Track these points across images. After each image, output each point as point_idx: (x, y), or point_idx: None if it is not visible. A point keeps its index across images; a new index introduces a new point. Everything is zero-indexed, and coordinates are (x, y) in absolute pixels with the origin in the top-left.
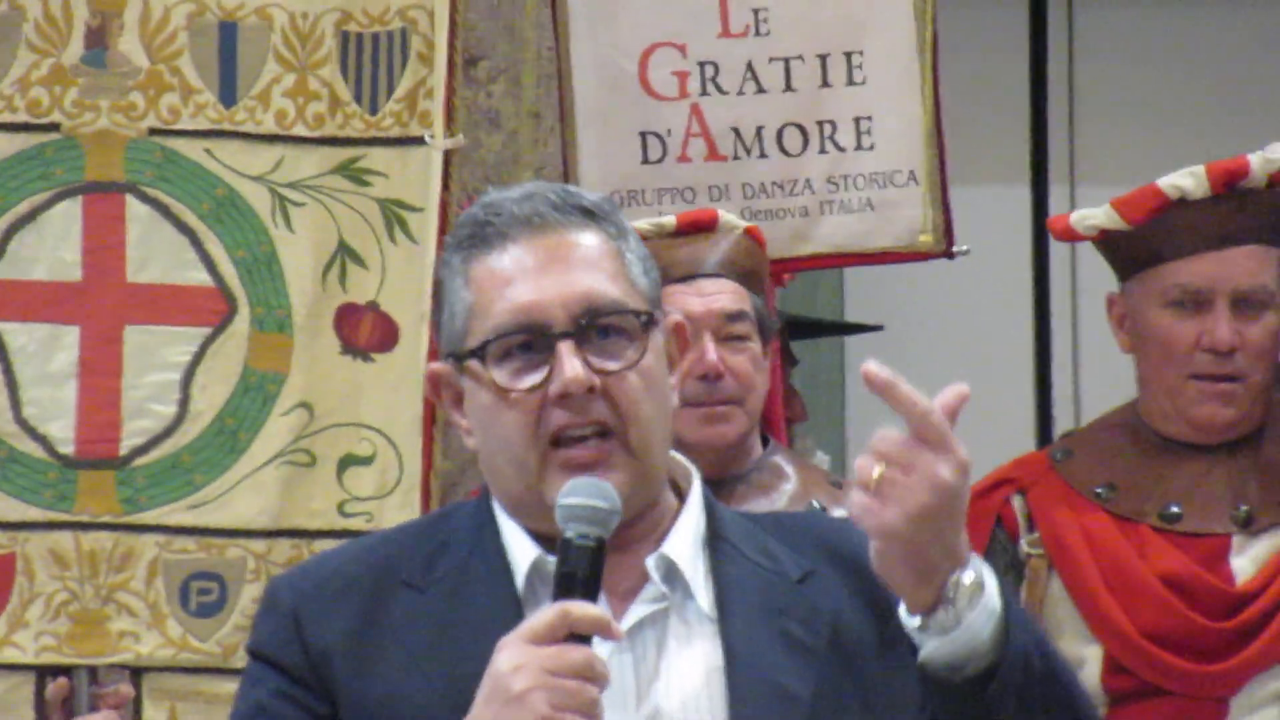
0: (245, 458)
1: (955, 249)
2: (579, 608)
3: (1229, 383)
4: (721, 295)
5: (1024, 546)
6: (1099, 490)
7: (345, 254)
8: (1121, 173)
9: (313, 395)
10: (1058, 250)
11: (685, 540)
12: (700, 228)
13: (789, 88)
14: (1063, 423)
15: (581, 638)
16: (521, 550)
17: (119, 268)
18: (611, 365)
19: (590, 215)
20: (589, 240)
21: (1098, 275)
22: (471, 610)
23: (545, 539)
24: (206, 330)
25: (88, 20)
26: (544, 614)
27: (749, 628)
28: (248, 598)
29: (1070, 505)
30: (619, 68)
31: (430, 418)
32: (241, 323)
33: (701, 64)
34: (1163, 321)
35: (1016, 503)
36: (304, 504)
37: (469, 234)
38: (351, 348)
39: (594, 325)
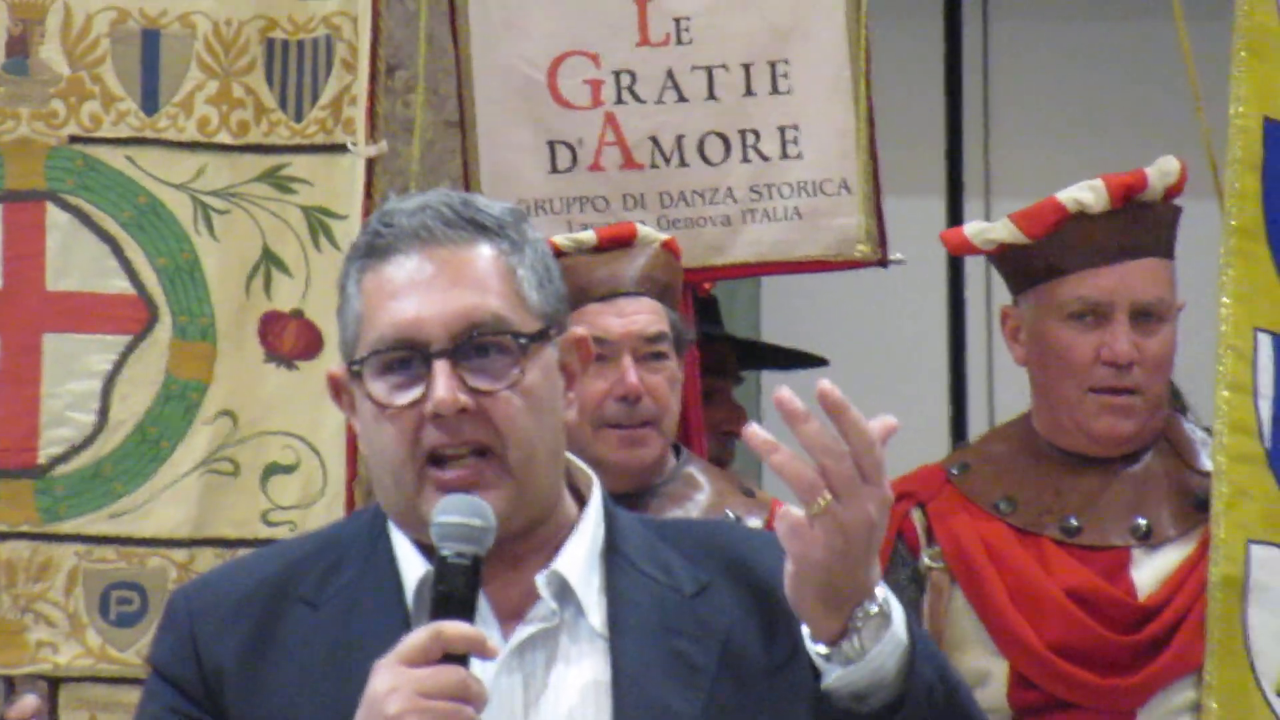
0: (167, 466)
1: (891, 257)
2: (451, 627)
3: (1128, 395)
4: (640, 315)
5: (925, 560)
6: (999, 504)
7: (269, 262)
8: (1036, 186)
9: (236, 403)
10: (973, 262)
11: (579, 555)
12: (619, 243)
13: (711, 96)
14: (977, 435)
15: (459, 658)
16: (410, 565)
17: (38, 276)
18: (488, 385)
19: (483, 229)
20: (480, 255)
21: None
22: (363, 628)
23: (432, 552)
24: (127, 338)
25: (9, 28)
26: (417, 635)
27: (639, 646)
28: None
29: (970, 518)
30: (525, 76)
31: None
32: (163, 331)
33: (616, 73)
34: (1062, 335)
35: (916, 516)
36: (227, 513)
37: (365, 242)
38: (275, 355)
39: (473, 344)
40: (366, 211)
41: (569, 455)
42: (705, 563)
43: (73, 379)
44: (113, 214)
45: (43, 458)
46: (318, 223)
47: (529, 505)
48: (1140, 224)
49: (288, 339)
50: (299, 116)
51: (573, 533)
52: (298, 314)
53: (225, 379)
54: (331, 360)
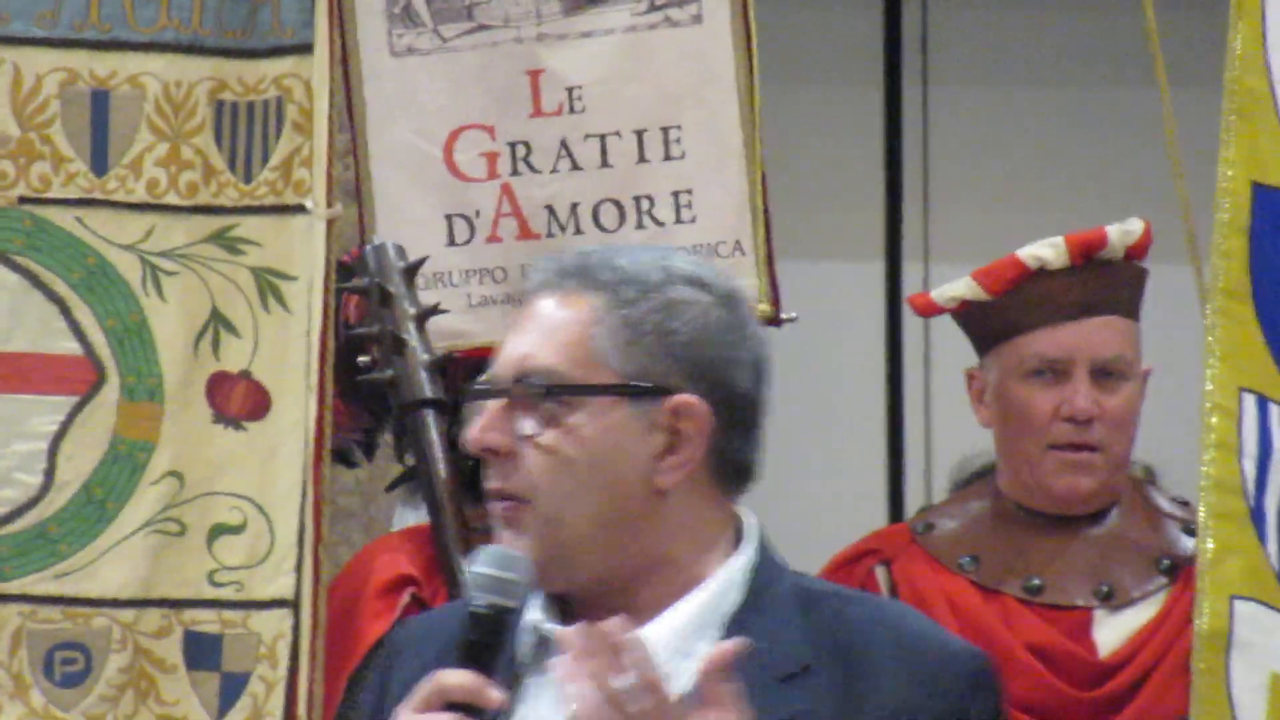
0: (113, 527)
1: (783, 316)
2: (449, 676)
3: (1088, 452)
4: None
5: None
6: (962, 561)
7: (218, 322)
8: (975, 250)
9: (183, 464)
10: (911, 327)
11: (677, 622)
12: None
13: (605, 164)
14: (915, 500)
15: (474, 708)
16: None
17: None
18: (527, 432)
19: (596, 282)
20: (572, 307)
21: (951, 352)
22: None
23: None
24: (75, 399)
25: None
26: (424, 683)
27: None
28: (113, 667)
29: (934, 575)
30: (422, 152)
31: (318, 489)
32: (110, 392)
33: (512, 144)
34: (1022, 392)
35: (880, 573)
36: (173, 573)
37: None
38: (223, 416)
39: (523, 391)
40: (328, 273)
41: (741, 510)
42: (824, 644)
43: (19, 440)
44: (62, 275)
45: None
46: (267, 284)
47: (567, 566)
48: (1101, 282)
49: (236, 399)
50: (248, 178)
51: (683, 598)
52: (246, 374)
53: (173, 439)
54: (279, 421)
